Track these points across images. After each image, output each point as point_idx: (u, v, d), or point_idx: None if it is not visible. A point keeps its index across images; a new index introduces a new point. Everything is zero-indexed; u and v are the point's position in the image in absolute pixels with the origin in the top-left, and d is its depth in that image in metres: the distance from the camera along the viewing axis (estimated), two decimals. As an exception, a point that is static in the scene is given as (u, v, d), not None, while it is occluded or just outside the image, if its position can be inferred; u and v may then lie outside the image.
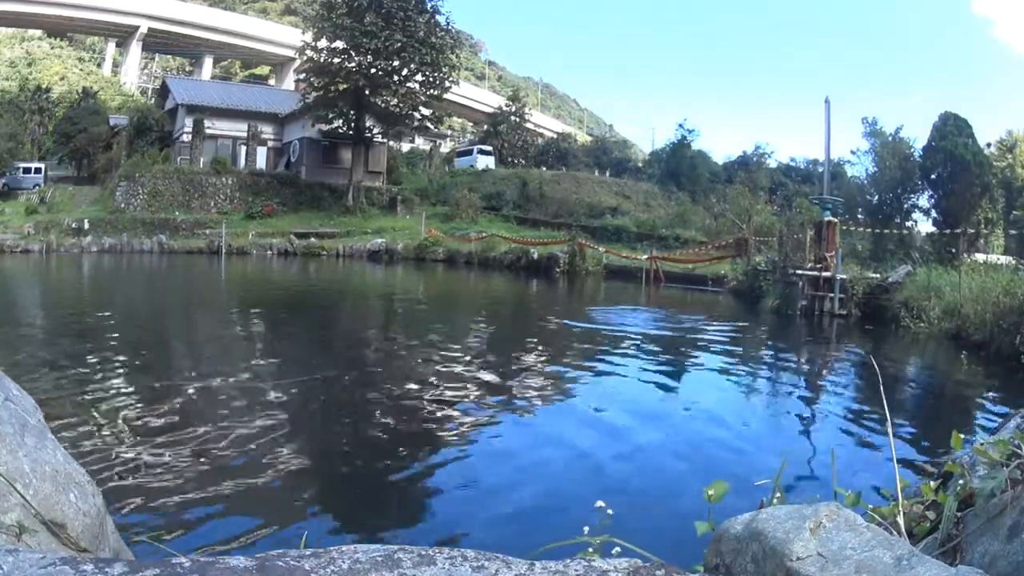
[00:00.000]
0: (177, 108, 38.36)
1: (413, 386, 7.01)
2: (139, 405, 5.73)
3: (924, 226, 25.00)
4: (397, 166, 41.43)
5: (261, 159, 38.91)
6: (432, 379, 7.35)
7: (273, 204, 34.23)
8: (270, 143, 39.85)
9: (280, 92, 50.12)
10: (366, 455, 4.80)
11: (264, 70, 79.55)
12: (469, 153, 48.25)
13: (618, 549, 1.65)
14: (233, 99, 40.30)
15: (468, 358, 8.63)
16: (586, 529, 1.84)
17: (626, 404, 6.25)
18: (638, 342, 10.02)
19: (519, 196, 37.28)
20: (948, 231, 20.48)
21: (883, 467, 4.44)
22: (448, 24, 34.81)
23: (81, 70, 70.20)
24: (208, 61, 74.08)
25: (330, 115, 33.98)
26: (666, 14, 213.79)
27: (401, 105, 33.70)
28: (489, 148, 48.04)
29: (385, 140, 38.62)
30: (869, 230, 22.40)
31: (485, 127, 57.92)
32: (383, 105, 33.50)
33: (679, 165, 44.83)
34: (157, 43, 70.83)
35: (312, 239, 30.23)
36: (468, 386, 7.01)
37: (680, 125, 47.26)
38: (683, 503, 3.75)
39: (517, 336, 10.39)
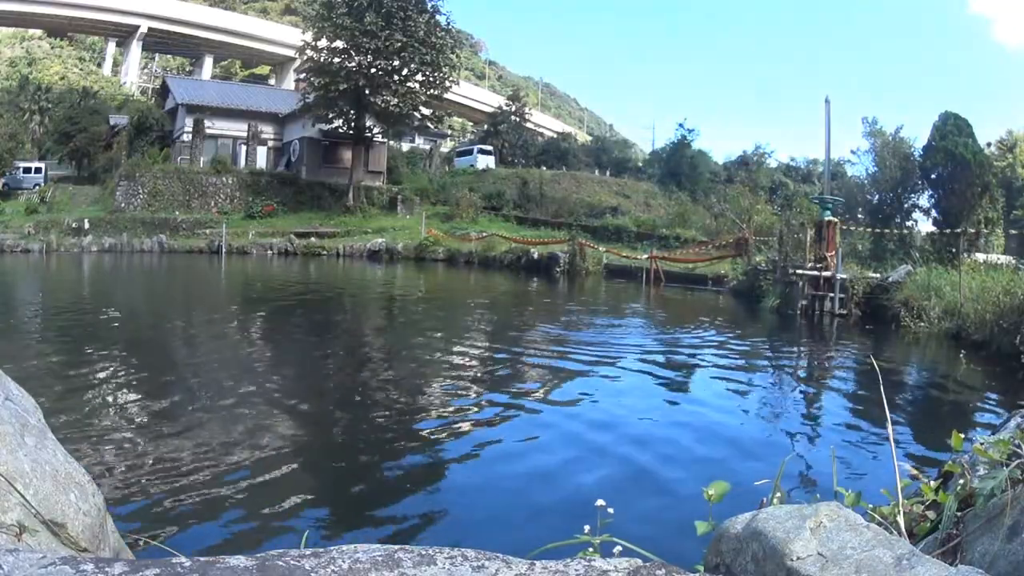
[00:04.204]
0: (177, 108, 38.34)
1: (413, 386, 7.01)
2: (139, 405, 5.73)
3: (924, 226, 25.08)
4: (397, 166, 41.40)
5: (261, 159, 38.89)
6: (432, 379, 7.36)
7: (273, 204, 34.22)
8: (270, 143, 39.82)
9: (280, 92, 50.04)
10: (366, 455, 4.81)
11: (264, 70, 79.52)
12: (469, 153, 48.18)
13: (619, 549, 1.65)
14: (233, 99, 40.27)
15: (467, 358, 8.64)
16: (586, 528, 1.83)
17: (625, 403, 6.25)
18: (637, 342, 10.01)
19: (519, 196, 37.30)
20: (948, 231, 20.47)
21: (883, 467, 4.44)
22: (448, 24, 34.82)
23: (81, 70, 70.32)
24: (208, 61, 74.12)
25: (330, 115, 33.96)
26: (667, 14, 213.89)
27: (401, 105, 33.66)
28: (489, 148, 47.97)
29: (385, 140, 38.59)
30: (869, 230, 22.39)
31: (485, 127, 57.86)
32: (383, 105, 33.46)
33: (679, 165, 44.94)
34: (157, 43, 70.88)
35: (312, 239, 30.23)
36: (467, 386, 7.01)
37: (680, 125, 47.54)
38: (683, 503, 3.75)
39: (517, 336, 10.39)
